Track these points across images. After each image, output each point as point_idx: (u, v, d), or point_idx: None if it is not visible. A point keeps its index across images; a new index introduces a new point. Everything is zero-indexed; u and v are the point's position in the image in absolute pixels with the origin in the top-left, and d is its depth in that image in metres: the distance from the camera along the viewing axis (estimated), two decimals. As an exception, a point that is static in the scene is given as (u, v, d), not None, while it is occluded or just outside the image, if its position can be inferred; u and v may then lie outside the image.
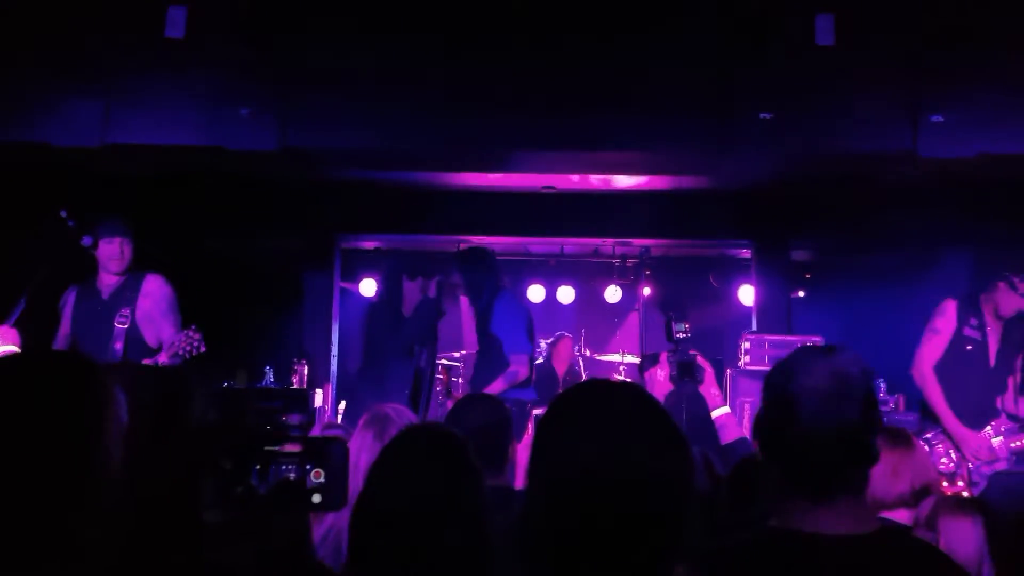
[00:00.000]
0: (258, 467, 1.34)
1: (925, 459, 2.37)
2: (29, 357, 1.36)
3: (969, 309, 4.35)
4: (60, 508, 1.20)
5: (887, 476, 2.24)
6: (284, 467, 1.35)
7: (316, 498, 1.36)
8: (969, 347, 4.31)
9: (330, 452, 1.37)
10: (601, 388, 1.32)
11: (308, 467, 1.35)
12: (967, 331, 4.32)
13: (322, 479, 1.36)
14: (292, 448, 1.36)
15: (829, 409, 1.45)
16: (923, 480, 2.26)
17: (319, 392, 6.50)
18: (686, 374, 2.94)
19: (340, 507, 1.39)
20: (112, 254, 4.31)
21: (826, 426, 1.45)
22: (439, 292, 5.14)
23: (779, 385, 1.51)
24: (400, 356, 5.79)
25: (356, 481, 2.48)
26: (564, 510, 1.20)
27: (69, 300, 4.45)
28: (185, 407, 1.79)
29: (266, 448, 1.35)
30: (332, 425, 3.71)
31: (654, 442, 1.23)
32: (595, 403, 1.28)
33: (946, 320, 4.35)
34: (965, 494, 4.05)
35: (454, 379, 6.84)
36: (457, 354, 8.00)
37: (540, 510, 1.23)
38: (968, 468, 4.22)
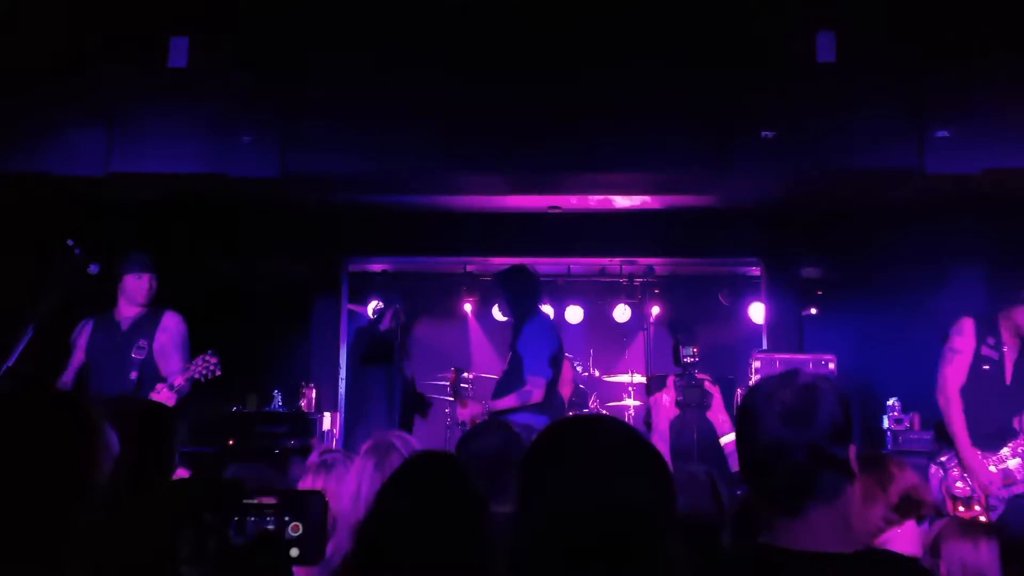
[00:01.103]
0: (236, 519, 1.33)
1: (897, 472, 2.32)
2: (15, 396, 1.36)
3: (986, 327, 4.24)
4: (43, 551, 1.19)
5: (859, 504, 2.20)
6: (263, 519, 1.34)
7: (294, 551, 1.35)
8: (986, 367, 4.20)
9: (308, 505, 1.36)
10: (585, 423, 1.35)
11: (286, 519, 1.34)
12: (984, 350, 4.21)
13: (300, 532, 1.35)
14: (269, 500, 1.35)
15: (785, 419, 1.47)
16: (900, 491, 2.20)
17: (327, 416, 6.48)
18: (693, 399, 2.90)
19: (317, 561, 1.39)
20: (140, 288, 4.50)
21: (782, 436, 1.46)
22: (395, 320, 5.16)
23: (746, 401, 1.54)
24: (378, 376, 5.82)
25: (358, 509, 2.47)
26: (551, 541, 1.22)
27: (85, 331, 4.58)
28: (169, 439, 1.78)
29: (244, 500, 1.34)
30: (330, 451, 3.71)
31: (637, 476, 1.26)
32: (579, 439, 1.30)
33: (965, 339, 4.24)
34: (982, 518, 3.97)
35: (463, 385, 6.83)
36: (468, 375, 7.97)
37: (528, 540, 1.25)
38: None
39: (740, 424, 1.55)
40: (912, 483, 2.34)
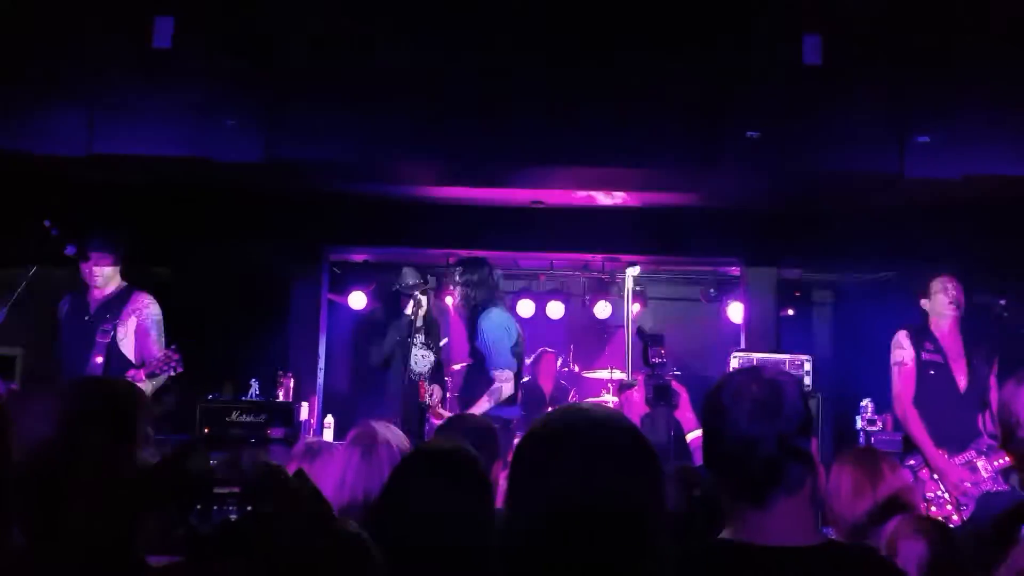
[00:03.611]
0: (199, 507, 1.31)
1: (889, 474, 2.36)
2: None
3: (921, 335, 4.43)
4: None
5: (849, 495, 2.24)
6: (226, 508, 1.32)
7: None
8: (932, 372, 4.38)
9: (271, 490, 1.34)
10: (577, 415, 1.33)
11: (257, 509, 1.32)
12: (925, 356, 4.41)
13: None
14: (233, 488, 1.34)
15: (754, 413, 1.50)
16: (889, 492, 2.24)
17: (304, 405, 6.44)
18: (661, 398, 2.99)
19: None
20: (89, 273, 4.36)
21: (752, 429, 1.50)
22: (416, 307, 5.15)
23: (711, 395, 1.58)
24: (384, 369, 5.82)
25: (342, 496, 2.46)
26: (540, 535, 1.20)
27: (64, 307, 4.47)
28: (136, 421, 1.74)
29: (209, 489, 1.32)
30: (315, 440, 3.71)
31: (629, 469, 1.24)
32: (571, 430, 1.29)
33: (904, 350, 4.43)
34: (955, 516, 4.04)
35: (428, 388, 6.80)
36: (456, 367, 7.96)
37: (516, 533, 1.24)
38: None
39: (708, 420, 1.57)
40: (901, 486, 2.38)
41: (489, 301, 4.90)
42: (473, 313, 4.87)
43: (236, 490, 1.32)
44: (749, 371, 1.58)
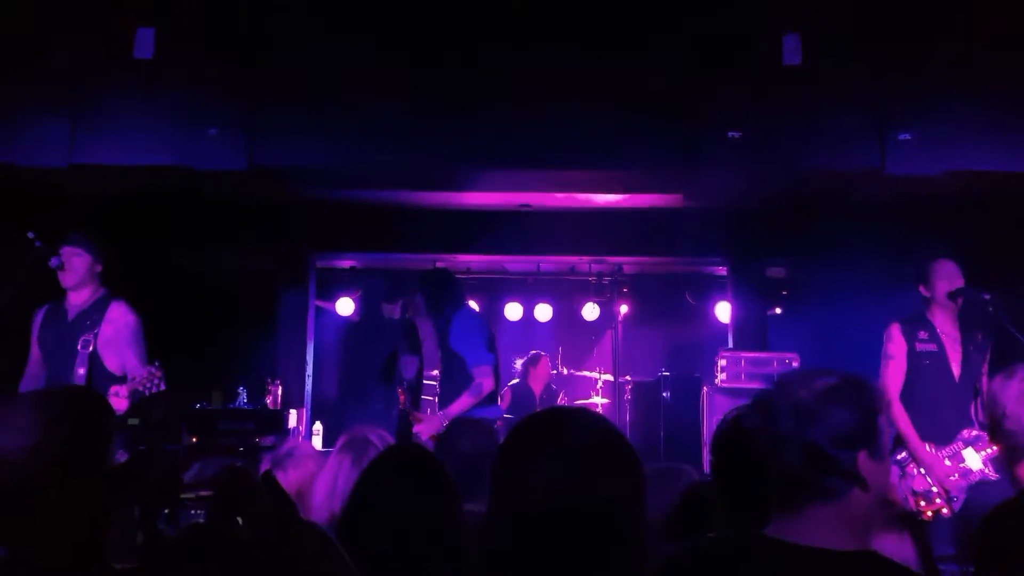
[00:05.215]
0: (167, 511, 1.31)
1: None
2: None
3: (915, 325, 4.34)
4: None
5: None
6: (195, 512, 1.33)
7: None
8: (927, 361, 4.29)
9: (243, 497, 1.35)
10: (559, 416, 1.35)
11: (223, 512, 1.33)
12: (919, 346, 4.30)
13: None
14: (203, 493, 1.34)
15: (789, 415, 1.48)
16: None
17: (293, 413, 6.43)
18: None
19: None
20: (64, 269, 4.18)
21: (786, 433, 1.48)
22: (403, 312, 5.18)
23: (765, 394, 1.56)
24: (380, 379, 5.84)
25: (333, 503, 2.47)
26: (523, 533, 1.22)
27: (37, 319, 4.38)
28: (100, 428, 1.74)
29: (177, 493, 1.33)
30: (295, 446, 3.72)
31: (610, 468, 1.26)
32: (553, 431, 1.30)
33: (895, 344, 4.34)
34: (945, 510, 4.05)
35: (428, 382, 6.81)
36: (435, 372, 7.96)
37: (499, 533, 1.25)
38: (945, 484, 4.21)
39: (752, 419, 1.57)
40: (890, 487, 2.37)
41: (457, 303, 4.95)
42: (439, 320, 4.90)
43: (204, 494, 1.33)
44: (808, 374, 1.55)
